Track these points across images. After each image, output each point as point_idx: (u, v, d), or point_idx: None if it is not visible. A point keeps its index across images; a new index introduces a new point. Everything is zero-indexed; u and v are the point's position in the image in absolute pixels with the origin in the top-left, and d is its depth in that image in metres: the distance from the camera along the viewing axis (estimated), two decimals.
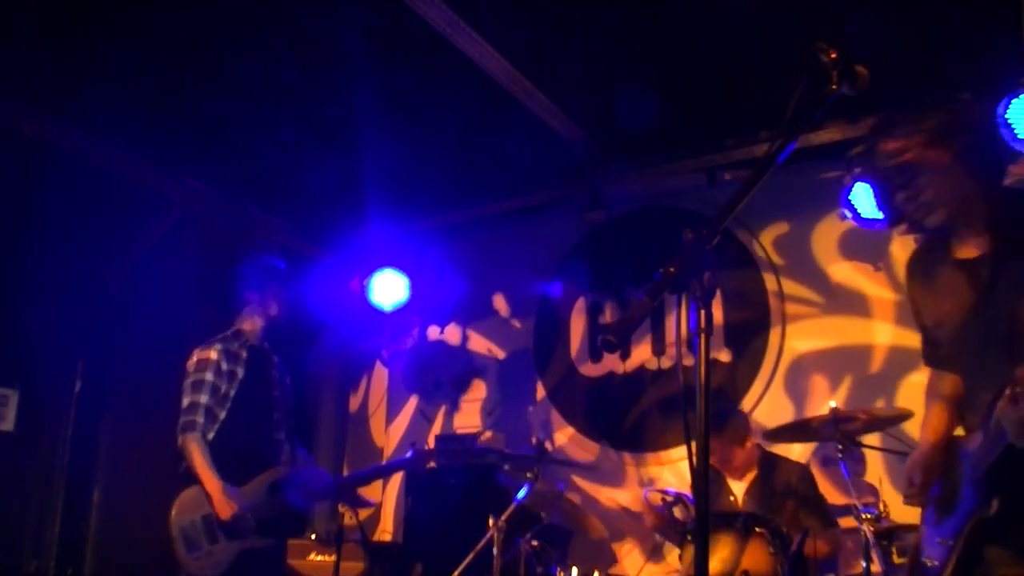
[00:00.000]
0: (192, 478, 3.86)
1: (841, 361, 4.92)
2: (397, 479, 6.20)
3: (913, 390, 4.63)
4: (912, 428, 3.96)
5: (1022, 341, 2.13)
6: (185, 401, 3.98)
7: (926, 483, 2.36)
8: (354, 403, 6.83)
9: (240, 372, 4.06)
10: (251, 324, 4.19)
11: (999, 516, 2.08)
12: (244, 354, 4.11)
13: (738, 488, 4.12)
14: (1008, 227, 2.23)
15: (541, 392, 5.91)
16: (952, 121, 2.26)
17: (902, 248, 4.82)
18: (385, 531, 6.19)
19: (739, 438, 4.12)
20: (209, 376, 4.00)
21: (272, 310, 4.19)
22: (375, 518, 6.25)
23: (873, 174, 2.38)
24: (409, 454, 4.40)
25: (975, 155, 2.25)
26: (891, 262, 4.87)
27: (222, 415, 3.97)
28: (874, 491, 4.38)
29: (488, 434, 5.66)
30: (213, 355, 4.04)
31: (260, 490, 3.92)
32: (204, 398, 3.97)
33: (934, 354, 2.48)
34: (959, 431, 2.40)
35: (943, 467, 2.34)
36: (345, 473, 6.50)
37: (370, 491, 6.46)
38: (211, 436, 3.93)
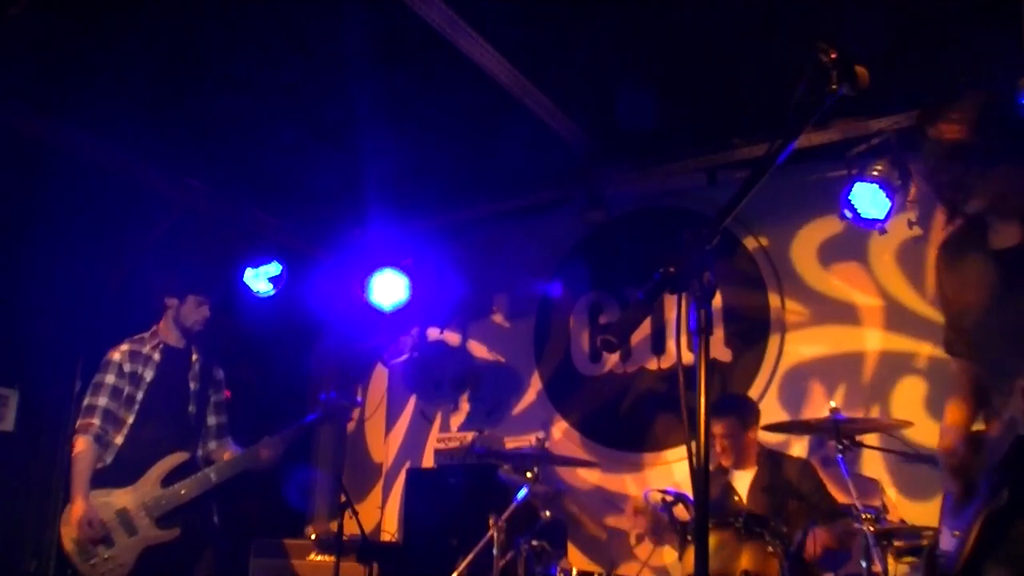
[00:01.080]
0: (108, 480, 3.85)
1: (841, 362, 4.91)
2: (398, 480, 6.20)
3: (913, 392, 4.64)
4: (910, 434, 3.97)
5: None
6: (84, 402, 3.99)
7: (963, 468, 2.34)
8: None
9: (148, 374, 4.02)
10: (165, 326, 4.14)
11: (1011, 507, 2.09)
12: (156, 356, 4.07)
13: (742, 485, 4.12)
14: None
15: (541, 392, 5.90)
16: (995, 108, 2.27)
17: (899, 247, 4.84)
18: (385, 531, 6.19)
19: (751, 424, 4.14)
20: (110, 378, 3.98)
21: (200, 313, 4.12)
22: (375, 518, 6.26)
23: (920, 155, 2.36)
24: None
25: (1013, 144, 2.25)
26: (892, 259, 4.88)
27: (129, 418, 3.94)
28: (877, 491, 4.39)
29: (488, 434, 5.65)
30: (116, 356, 4.02)
31: (149, 484, 3.84)
32: (103, 400, 3.94)
33: (955, 343, 2.47)
34: (979, 424, 2.40)
35: (962, 457, 2.33)
36: (347, 477, 6.51)
37: (370, 492, 6.46)
38: (119, 440, 3.91)
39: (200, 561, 3.92)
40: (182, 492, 3.86)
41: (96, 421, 3.91)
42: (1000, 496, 2.10)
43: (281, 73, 4.45)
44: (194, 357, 4.18)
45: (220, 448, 4.17)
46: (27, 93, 4.51)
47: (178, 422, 4.03)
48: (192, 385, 4.13)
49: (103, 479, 3.87)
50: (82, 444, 3.87)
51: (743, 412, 4.21)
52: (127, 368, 4.01)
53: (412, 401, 6.42)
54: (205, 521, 3.98)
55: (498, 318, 6.22)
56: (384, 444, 6.51)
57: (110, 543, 3.76)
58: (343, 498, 4.83)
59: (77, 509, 3.75)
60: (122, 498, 3.81)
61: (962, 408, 2.43)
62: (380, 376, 6.70)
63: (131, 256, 5.64)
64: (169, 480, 3.87)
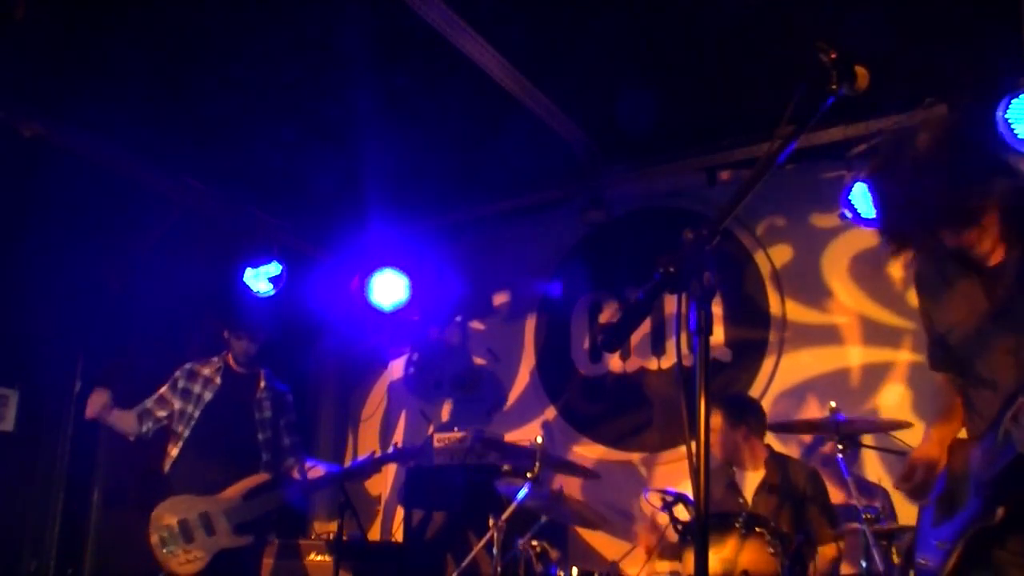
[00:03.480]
0: (170, 486, 4.45)
1: (841, 363, 4.91)
2: (398, 480, 6.20)
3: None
4: (907, 436, 3.96)
5: None
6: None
7: (927, 482, 2.35)
8: (354, 403, 6.83)
9: (207, 395, 4.57)
10: (231, 354, 4.70)
11: (1004, 524, 2.08)
12: (217, 379, 4.61)
13: (749, 486, 4.12)
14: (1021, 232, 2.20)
15: (541, 392, 5.90)
16: (952, 131, 2.22)
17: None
18: (385, 531, 6.19)
19: (742, 425, 4.13)
20: (163, 389, 4.63)
21: (241, 346, 4.63)
22: (375, 518, 6.26)
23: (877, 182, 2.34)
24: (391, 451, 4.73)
25: (976, 166, 2.20)
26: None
27: (186, 432, 4.50)
28: (879, 492, 4.39)
29: (488, 434, 5.65)
30: (177, 373, 4.65)
31: (236, 496, 4.37)
32: (150, 403, 4.60)
33: (939, 358, 2.47)
34: (963, 433, 2.40)
35: (944, 467, 2.34)
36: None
37: (371, 492, 6.46)
38: (174, 451, 4.51)
39: (259, 568, 4.63)
40: (258, 506, 4.38)
41: (148, 404, 4.60)
42: (994, 513, 2.09)
43: (281, 73, 4.45)
44: (262, 384, 4.68)
45: (294, 465, 4.68)
46: (27, 93, 4.51)
47: (241, 441, 4.53)
48: (259, 410, 4.62)
49: (171, 485, 4.45)
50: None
51: (735, 410, 4.16)
52: (181, 384, 4.61)
53: (412, 401, 6.42)
54: (267, 534, 4.65)
55: (498, 318, 6.22)
56: (384, 444, 6.51)
57: (190, 539, 4.26)
58: (343, 498, 4.83)
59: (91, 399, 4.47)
60: (205, 504, 4.32)
61: (948, 422, 2.42)
62: (380, 376, 6.70)
63: (131, 256, 5.64)
64: (251, 495, 4.38)
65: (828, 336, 4.98)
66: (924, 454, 2.38)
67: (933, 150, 2.15)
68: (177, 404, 4.56)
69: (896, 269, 4.85)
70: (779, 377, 5.07)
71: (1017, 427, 1.98)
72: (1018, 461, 2.00)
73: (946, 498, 2.29)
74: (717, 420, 4.10)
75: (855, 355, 4.88)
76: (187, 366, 4.65)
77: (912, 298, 4.73)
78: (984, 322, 2.26)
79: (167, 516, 4.32)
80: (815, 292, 5.08)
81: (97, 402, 4.41)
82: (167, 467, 4.51)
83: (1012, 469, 2.03)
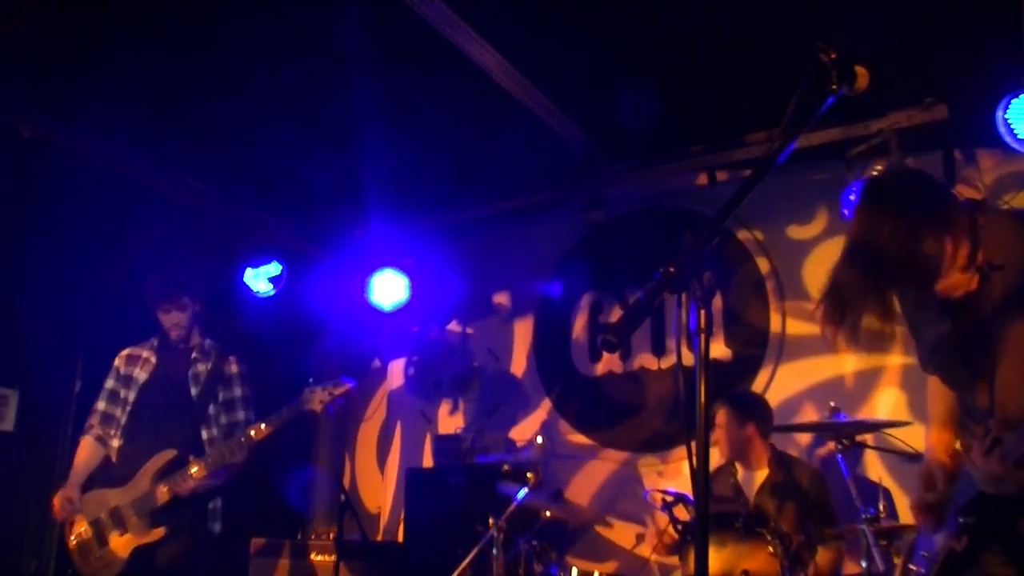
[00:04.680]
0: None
1: (841, 363, 4.91)
2: (398, 480, 6.20)
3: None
4: (906, 435, 3.96)
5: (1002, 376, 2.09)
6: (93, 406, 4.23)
7: (942, 499, 2.32)
8: (354, 404, 6.84)
9: (142, 376, 4.12)
10: (167, 325, 4.18)
11: (968, 551, 2.11)
12: (153, 359, 4.17)
13: (752, 486, 4.11)
14: (990, 257, 2.09)
15: (541, 392, 5.90)
16: (891, 192, 2.12)
17: None
18: (385, 531, 6.19)
19: (750, 423, 4.11)
20: (108, 382, 4.20)
21: (170, 319, 4.13)
22: (375, 518, 6.26)
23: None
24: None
25: (926, 213, 2.07)
26: None
27: (124, 419, 4.06)
28: (879, 492, 4.39)
29: (488, 434, 5.65)
30: (117, 362, 4.22)
31: (144, 482, 3.85)
32: (101, 404, 4.16)
33: (928, 363, 2.45)
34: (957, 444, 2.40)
35: (952, 478, 2.33)
36: (347, 478, 6.52)
37: (370, 492, 6.47)
38: (116, 442, 4.05)
39: (194, 564, 3.90)
40: (163, 489, 3.81)
41: (95, 422, 4.13)
42: (960, 540, 2.12)
43: (281, 73, 4.45)
44: (193, 355, 4.18)
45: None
46: (27, 93, 4.51)
47: (174, 421, 4.01)
48: (194, 385, 4.12)
49: (102, 479, 3.99)
50: (81, 443, 4.13)
51: (743, 407, 4.16)
52: (123, 371, 4.18)
53: (412, 401, 6.42)
54: (198, 521, 3.94)
55: (498, 318, 6.22)
56: (384, 444, 6.51)
57: (103, 541, 3.82)
58: (343, 498, 4.83)
59: (56, 499, 3.93)
60: (116, 497, 3.87)
61: (945, 426, 2.43)
62: (380, 376, 6.70)
63: (131, 256, 5.64)
64: (160, 477, 3.85)
65: (822, 346, 4.96)
66: (937, 462, 2.37)
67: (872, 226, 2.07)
68: (122, 392, 4.13)
69: None
70: (778, 377, 5.06)
71: (976, 470, 2.01)
72: (980, 496, 2.04)
73: (940, 508, 2.30)
74: (723, 417, 4.09)
75: (849, 362, 4.87)
76: (124, 352, 4.23)
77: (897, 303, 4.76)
78: (956, 350, 2.23)
79: (79, 519, 3.89)
80: (815, 292, 5.05)
81: (64, 502, 3.91)
82: (115, 459, 4.04)
83: (975, 502, 2.08)
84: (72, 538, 3.88)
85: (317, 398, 3.90)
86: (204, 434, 4.04)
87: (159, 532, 3.79)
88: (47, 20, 3.94)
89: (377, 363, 6.73)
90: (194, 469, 3.82)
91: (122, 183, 5.15)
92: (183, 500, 3.82)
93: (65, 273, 5.31)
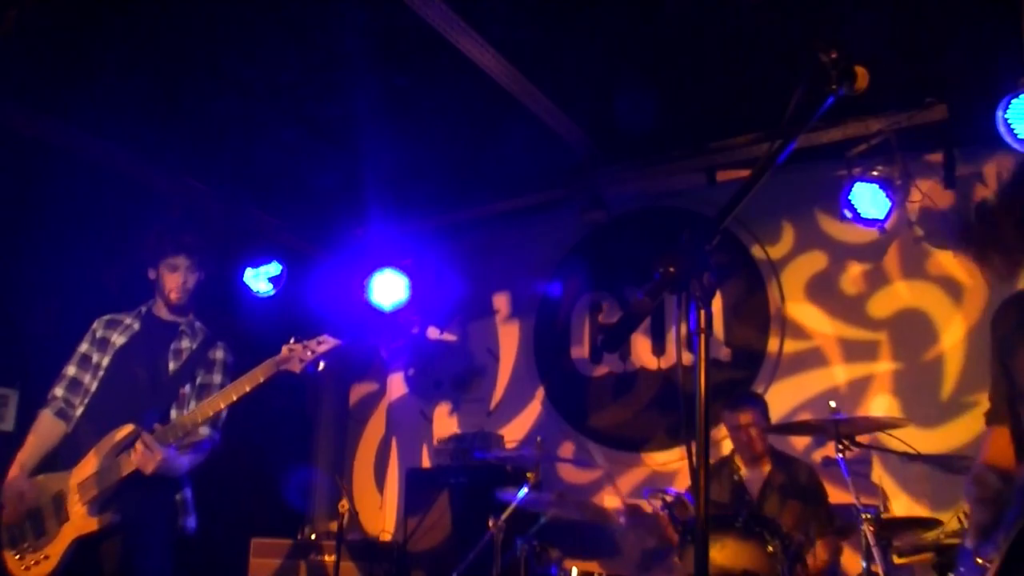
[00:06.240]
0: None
1: (841, 364, 4.91)
2: (398, 480, 6.20)
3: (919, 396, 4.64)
4: (906, 435, 3.96)
5: None
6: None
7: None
8: (354, 403, 6.83)
9: (119, 340, 3.53)
10: (155, 301, 3.69)
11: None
12: (136, 325, 3.59)
13: (755, 484, 4.12)
14: None
15: (541, 392, 5.90)
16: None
17: (900, 248, 4.83)
18: (385, 531, 6.18)
19: (766, 423, 4.17)
20: (83, 346, 3.60)
21: (176, 279, 3.59)
22: (375, 518, 6.25)
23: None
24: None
25: None
26: (892, 261, 4.88)
27: (93, 386, 3.45)
28: (879, 492, 4.40)
29: (488, 434, 5.65)
30: (95, 324, 3.65)
31: (93, 463, 3.22)
32: (72, 369, 3.55)
33: (1000, 413, 2.39)
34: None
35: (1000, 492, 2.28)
36: (347, 478, 6.52)
37: (370, 492, 6.46)
38: (79, 411, 3.42)
39: (154, 566, 3.25)
40: (130, 460, 3.16)
41: (60, 392, 3.50)
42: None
43: (281, 73, 4.45)
44: (181, 328, 3.60)
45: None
46: (27, 93, 4.51)
47: (144, 395, 3.40)
48: (174, 360, 3.53)
49: (53, 460, 3.37)
50: (39, 418, 3.49)
51: (764, 406, 4.26)
52: (99, 334, 3.60)
53: (412, 401, 6.42)
54: (161, 513, 3.33)
55: (498, 318, 6.22)
56: (384, 444, 6.51)
57: (40, 531, 3.21)
58: (343, 498, 4.83)
59: (8, 477, 3.30)
60: (60, 481, 3.25)
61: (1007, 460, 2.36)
62: (380, 376, 6.70)
63: (131, 256, 5.63)
64: (111, 456, 3.23)
65: (829, 337, 4.98)
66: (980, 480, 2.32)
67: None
68: (95, 357, 3.54)
69: (850, 284, 4.85)
70: (778, 377, 5.07)
71: None
72: None
73: (989, 524, 2.25)
74: (750, 416, 4.15)
75: (839, 372, 4.89)
76: (106, 316, 3.65)
77: (876, 308, 4.78)
78: None
79: (13, 508, 3.26)
80: (815, 291, 5.08)
81: (15, 497, 3.27)
82: (69, 431, 3.44)
83: None
84: (4, 532, 3.27)
85: (297, 356, 3.33)
86: (173, 414, 3.41)
87: (107, 519, 3.17)
88: (47, 20, 3.95)
89: (377, 363, 6.72)
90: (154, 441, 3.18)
91: (122, 183, 5.15)
92: (143, 482, 3.16)
93: (65, 273, 5.30)
